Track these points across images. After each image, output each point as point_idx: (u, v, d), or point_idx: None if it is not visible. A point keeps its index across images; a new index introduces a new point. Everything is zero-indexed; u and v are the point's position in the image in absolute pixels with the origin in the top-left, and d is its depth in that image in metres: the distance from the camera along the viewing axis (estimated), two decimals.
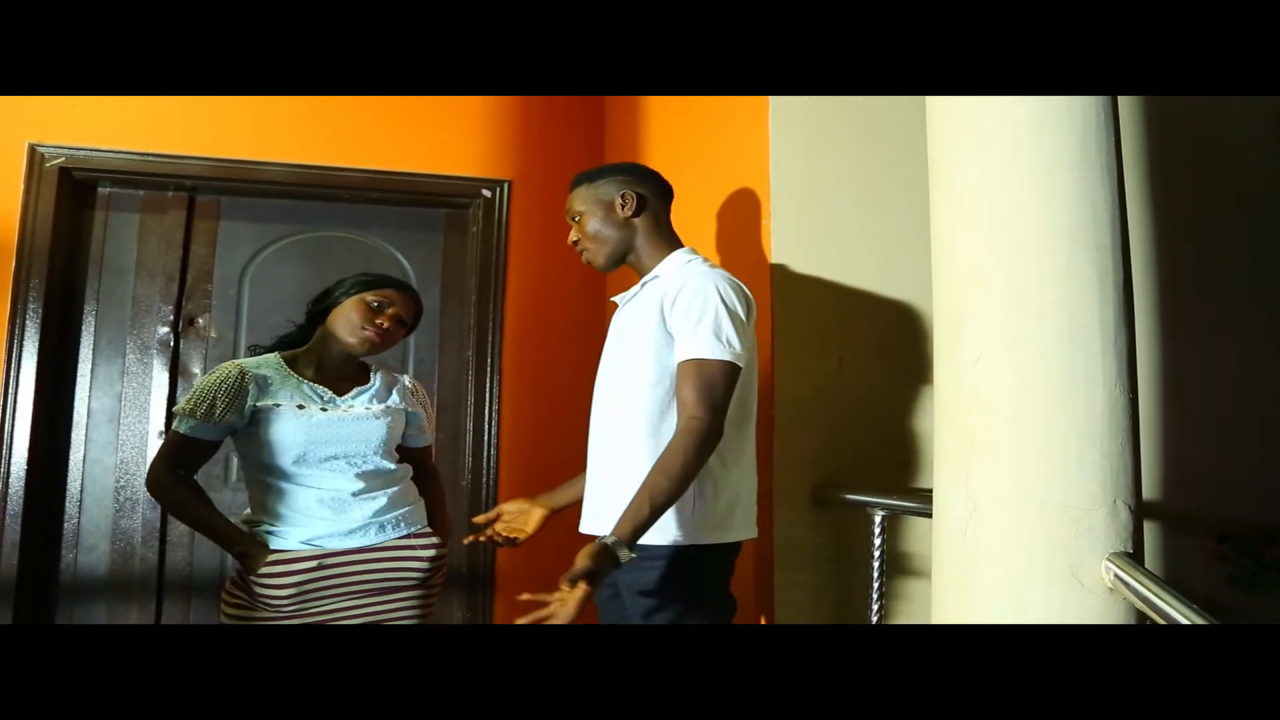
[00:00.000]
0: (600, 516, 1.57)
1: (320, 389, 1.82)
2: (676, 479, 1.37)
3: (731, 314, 1.45)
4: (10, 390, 2.61)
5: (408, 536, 1.85)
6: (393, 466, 1.87)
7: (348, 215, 3.02)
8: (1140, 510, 1.12)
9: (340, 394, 1.84)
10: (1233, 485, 2.01)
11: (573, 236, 1.69)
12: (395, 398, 1.92)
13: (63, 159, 2.70)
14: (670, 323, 1.49)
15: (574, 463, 2.96)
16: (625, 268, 1.69)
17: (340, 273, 1.92)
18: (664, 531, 1.45)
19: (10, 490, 2.58)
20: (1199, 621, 0.96)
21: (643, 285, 1.63)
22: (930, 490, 1.28)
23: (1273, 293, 2.13)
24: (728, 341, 1.43)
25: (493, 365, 2.95)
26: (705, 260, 1.60)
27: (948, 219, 1.23)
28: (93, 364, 2.80)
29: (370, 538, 1.80)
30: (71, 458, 2.75)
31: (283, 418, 1.75)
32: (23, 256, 2.64)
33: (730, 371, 1.43)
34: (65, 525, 2.73)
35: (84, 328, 2.80)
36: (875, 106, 1.92)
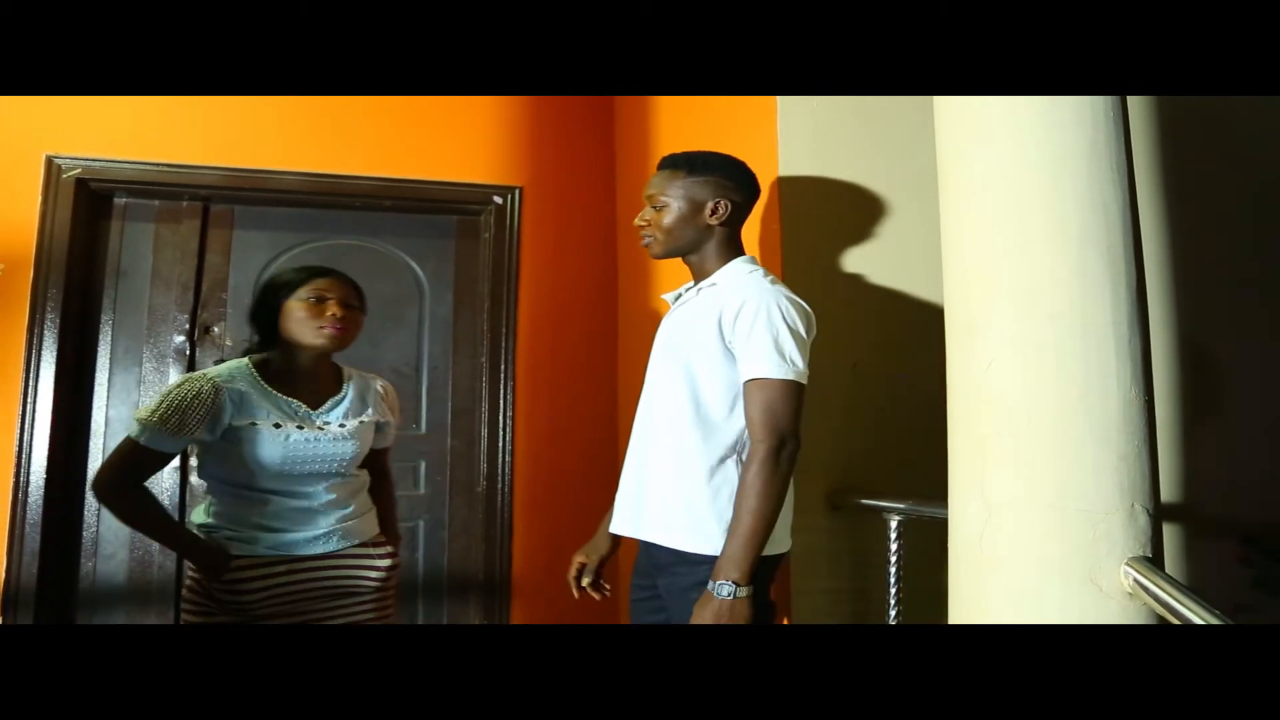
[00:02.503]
0: (629, 517, 1.57)
1: (295, 404, 1.78)
2: (755, 509, 1.39)
3: (793, 331, 1.44)
4: (29, 399, 2.63)
5: (363, 545, 1.85)
6: (359, 475, 1.89)
7: (360, 223, 3.03)
8: (1159, 514, 1.10)
9: (315, 407, 1.81)
10: (1255, 487, 1.98)
11: (643, 219, 1.63)
12: (369, 410, 1.90)
13: (79, 170, 2.72)
14: (730, 339, 1.47)
15: (587, 468, 2.97)
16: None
17: (355, 280, 1.91)
18: (705, 540, 1.46)
19: (29, 499, 2.60)
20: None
21: (698, 290, 1.59)
22: (945, 494, 1.26)
23: None
24: (790, 359, 1.42)
25: (506, 371, 2.95)
26: (765, 272, 1.57)
27: (956, 221, 1.21)
28: (110, 373, 2.82)
29: (333, 544, 1.79)
30: (89, 466, 2.77)
31: (260, 437, 1.71)
32: (40, 267, 2.66)
33: (793, 390, 1.43)
34: (84, 533, 2.75)
35: (101, 337, 2.82)
36: (883, 106, 1.91)
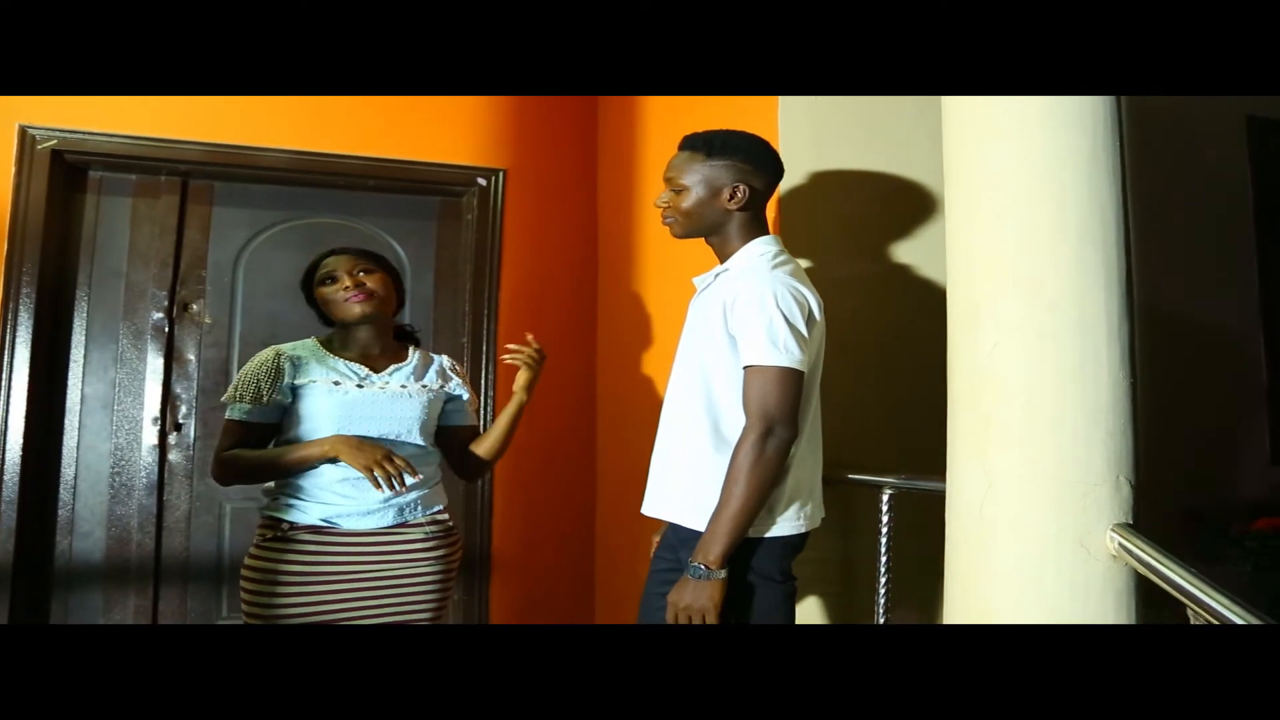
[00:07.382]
0: (657, 501, 1.61)
1: (356, 366, 1.85)
2: (738, 495, 1.42)
3: (787, 318, 1.44)
4: (3, 377, 2.60)
5: (426, 522, 1.86)
6: (426, 447, 1.89)
7: (342, 202, 3.04)
8: (1139, 485, 1.23)
9: (377, 371, 1.87)
10: (1203, 465, 2.15)
11: (663, 201, 1.63)
12: (433, 377, 1.95)
13: (54, 142, 2.67)
14: (730, 326, 1.50)
15: (566, 448, 3.03)
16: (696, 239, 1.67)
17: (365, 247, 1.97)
18: (700, 517, 1.50)
19: (5, 477, 2.58)
20: (1195, 583, 1.06)
21: (716, 275, 1.61)
22: (933, 469, 1.37)
23: (1237, 285, 2.26)
24: (784, 347, 1.43)
25: (488, 353, 2.99)
26: (777, 255, 1.57)
27: (964, 216, 1.30)
28: (86, 350, 2.79)
29: (389, 519, 1.80)
30: (65, 444, 2.75)
31: (318, 393, 1.78)
32: (14, 241, 2.62)
33: (786, 377, 1.43)
34: (60, 512, 2.73)
35: (77, 313, 2.79)
36: (883, 105, 1.99)
